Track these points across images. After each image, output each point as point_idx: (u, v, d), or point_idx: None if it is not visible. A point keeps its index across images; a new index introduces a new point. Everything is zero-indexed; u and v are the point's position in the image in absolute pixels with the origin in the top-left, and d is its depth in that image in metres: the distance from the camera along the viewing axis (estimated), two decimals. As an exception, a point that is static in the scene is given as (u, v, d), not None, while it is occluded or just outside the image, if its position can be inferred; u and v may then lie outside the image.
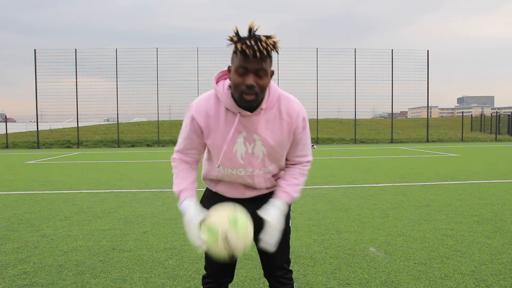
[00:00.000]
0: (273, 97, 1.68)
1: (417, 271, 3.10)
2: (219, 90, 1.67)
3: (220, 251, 1.58)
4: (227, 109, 1.67)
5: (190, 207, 1.69)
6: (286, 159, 1.85)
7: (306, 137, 1.80)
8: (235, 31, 1.53)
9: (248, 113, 1.65)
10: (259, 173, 1.77)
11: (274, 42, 1.52)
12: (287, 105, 1.71)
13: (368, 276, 3.03)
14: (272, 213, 1.72)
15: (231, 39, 1.54)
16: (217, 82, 1.72)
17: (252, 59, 1.51)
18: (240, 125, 1.67)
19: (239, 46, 1.51)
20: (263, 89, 1.58)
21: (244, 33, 1.54)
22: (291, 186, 1.80)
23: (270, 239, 1.70)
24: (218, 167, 1.78)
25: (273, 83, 1.70)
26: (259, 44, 1.49)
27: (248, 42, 1.49)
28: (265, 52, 1.50)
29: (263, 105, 1.65)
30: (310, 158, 1.86)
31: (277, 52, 1.56)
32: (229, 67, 1.65)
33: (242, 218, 1.61)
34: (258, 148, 1.72)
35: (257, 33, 1.53)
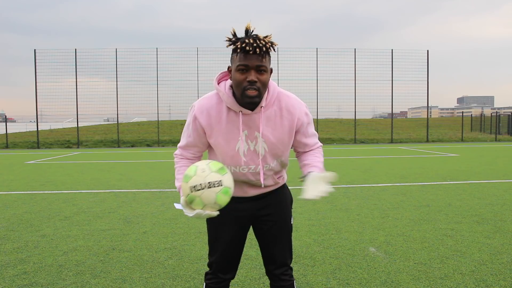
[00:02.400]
0: (272, 95, 1.73)
1: (417, 271, 3.10)
2: (220, 90, 1.72)
3: (211, 196, 1.59)
4: (229, 109, 1.72)
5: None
6: (300, 150, 1.89)
7: (312, 127, 1.87)
8: (232, 32, 1.61)
9: (249, 111, 1.70)
10: (261, 170, 1.80)
11: (271, 41, 1.61)
12: (287, 102, 1.76)
13: (368, 276, 3.03)
14: (313, 171, 1.74)
15: (230, 40, 1.61)
16: (218, 83, 1.77)
17: (253, 56, 1.58)
18: (243, 123, 1.71)
19: (239, 44, 1.58)
20: (264, 85, 1.64)
21: (241, 34, 1.63)
22: (318, 163, 1.82)
23: (318, 188, 1.65)
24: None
25: (272, 81, 1.76)
26: (258, 41, 1.57)
27: (247, 40, 1.57)
28: (264, 49, 1.58)
29: (263, 102, 1.70)
30: (320, 143, 1.93)
31: (274, 50, 1.64)
32: (229, 68, 1.71)
33: (187, 169, 1.67)
34: (259, 145, 1.75)
35: (253, 33, 1.61)
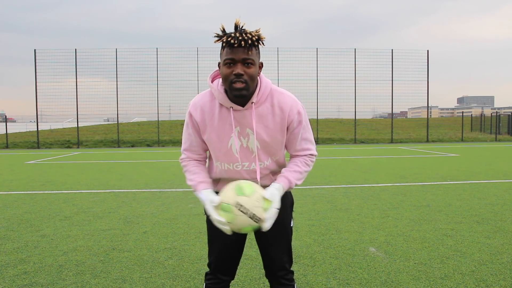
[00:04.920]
0: (264, 91, 1.72)
1: (417, 271, 3.10)
2: (213, 86, 1.74)
3: (243, 223, 1.58)
4: (221, 105, 1.73)
5: (207, 195, 1.68)
6: (288, 151, 1.87)
7: (305, 131, 1.81)
8: (222, 28, 1.61)
9: (240, 107, 1.70)
10: (255, 167, 1.79)
11: (258, 34, 1.60)
12: (280, 99, 1.74)
13: (368, 276, 3.03)
14: (269, 191, 1.68)
15: (218, 35, 1.62)
16: (212, 81, 1.78)
17: (238, 49, 1.59)
18: (234, 119, 1.72)
19: (224, 39, 1.59)
20: (252, 78, 1.63)
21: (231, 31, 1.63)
22: (291, 172, 1.79)
23: (268, 217, 1.64)
24: (216, 163, 1.82)
25: (265, 78, 1.75)
26: (244, 35, 1.57)
27: (233, 34, 1.58)
28: (249, 42, 1.58)
29: (254, 98, 1.70)
30: (313, 152, 1.85)
31: (262, 44, 1.64)
32: (219, 64, 1.71)
33: (245, 183, 1.64)
34: (251, 142, 1.75)
35: (242, 28, 1.61)
